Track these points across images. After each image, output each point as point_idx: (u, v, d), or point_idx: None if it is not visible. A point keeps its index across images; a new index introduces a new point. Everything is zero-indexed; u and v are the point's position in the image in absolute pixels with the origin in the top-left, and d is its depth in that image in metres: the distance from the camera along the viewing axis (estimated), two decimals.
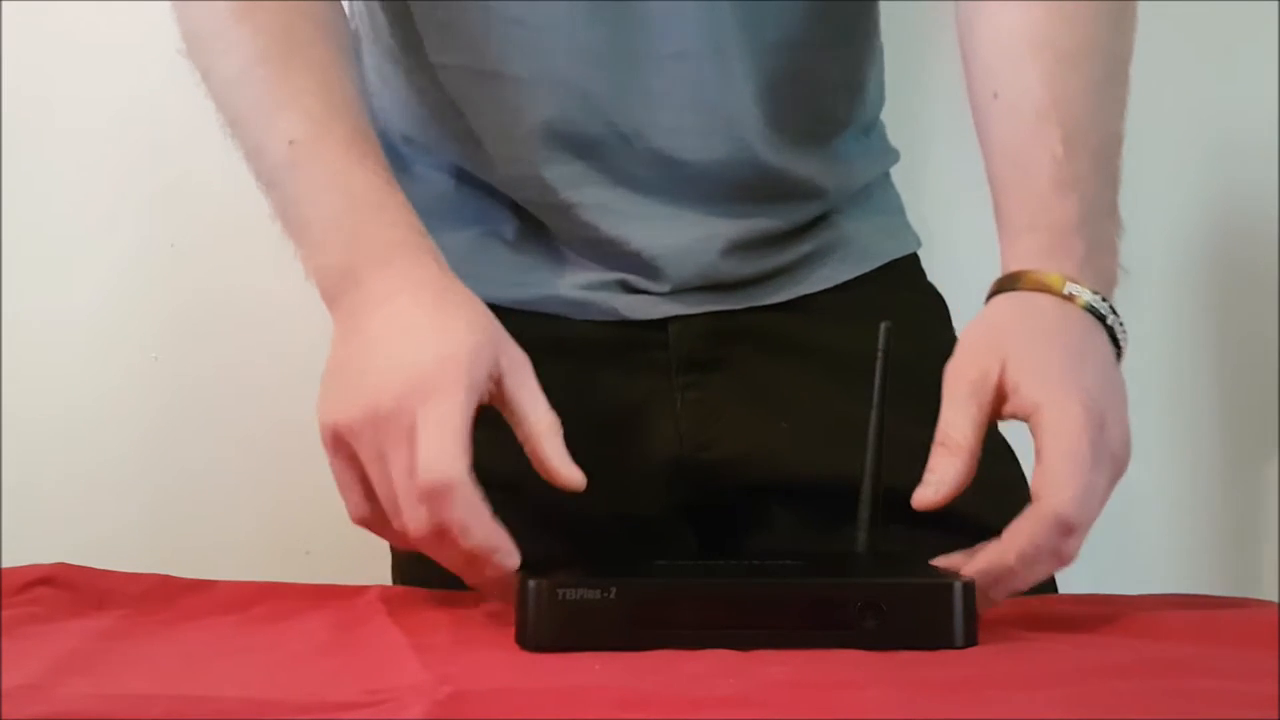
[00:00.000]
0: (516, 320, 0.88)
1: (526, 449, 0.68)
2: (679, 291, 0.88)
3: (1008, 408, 0.69)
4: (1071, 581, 0.88)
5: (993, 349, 0.70)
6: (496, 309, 0.89)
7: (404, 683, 0.53)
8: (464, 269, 0.90)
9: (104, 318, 1.24)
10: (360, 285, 0.71)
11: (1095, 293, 0.72)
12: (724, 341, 0.88)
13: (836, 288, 0.91)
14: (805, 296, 0.90)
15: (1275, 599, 0.76)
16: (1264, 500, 1.30)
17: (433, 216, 0.91)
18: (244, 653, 0.62)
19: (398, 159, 0.93)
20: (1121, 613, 0.69)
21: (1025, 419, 0.68)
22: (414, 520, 0.64)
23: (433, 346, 0.67)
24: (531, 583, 0.61)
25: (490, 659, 0.60)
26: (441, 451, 0.63)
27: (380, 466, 0.66)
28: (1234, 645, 0.61)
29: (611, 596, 0.60)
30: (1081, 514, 0.65)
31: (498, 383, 0.68)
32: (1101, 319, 0.72)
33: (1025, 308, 0.72)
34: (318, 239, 0.73)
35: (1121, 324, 0.72)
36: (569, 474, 0.68)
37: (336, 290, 0.72)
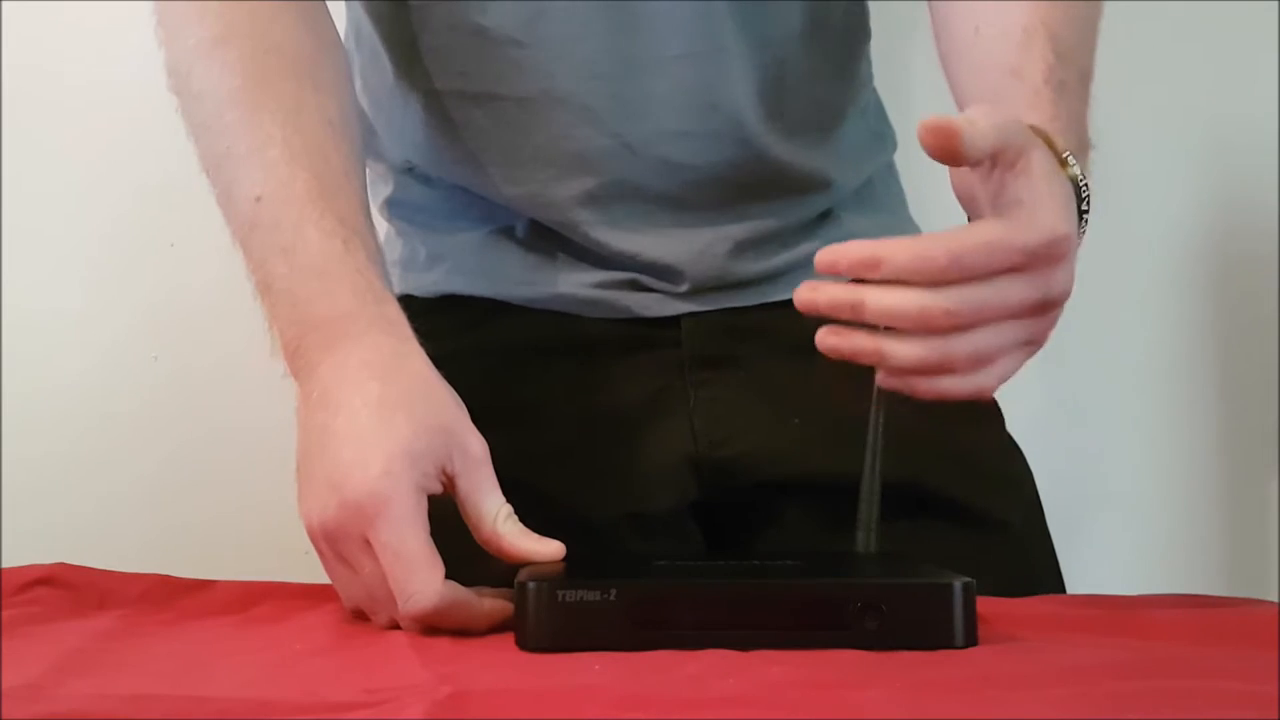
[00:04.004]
0: (528, 319, 0.89)
1: (490, 548, 0.67)
2: (691, 290, 0.88)
3: (994, 184, 0.64)
4: (1072, 581, 0.88)
5: (1023, 128, 0.65)
6: (508, 307, 0.89)
7: (404, 683, 0.53)
8: (475, 267, 0.90)
9: (103, 317, 1.24)
10: (312, 370, 0.69)
11: (1082, 173, 0.69)
12: (736, 339, 0.89)
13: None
14: None
15: (1275, 599, 0.76)
16: (1264, 501, 1.30)
17: (443, 216, 0.92)
18: (244, 653, 0.62)
19: (402, 169, 0.94)
20: (1121, 613, 0.69)
21: (999, 204, 0.64)
22: (409, 626, 0.65)
23: (373, 454, 0.64)
24: (531, 584, 0.60)
25: (490, 659, 0.59)
26: (410, 580, 0.63)
27: (348, 572, 0.66)
28: (1234, 645, 0.61)
29: (611, 598, 0.59)
30: (953, 270, 0.60)
31: (451, 479, 0.66)
32: (1080, 199, 0.69)
33: (1036, 140, 0.66)
34: (273, 308, 0.72)
35: (1087, 215, 0.69)
36: (545, 551, 0.66)
37: (293, 368, 0.71)
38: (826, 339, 0.64)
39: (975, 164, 0.63)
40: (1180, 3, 1.27)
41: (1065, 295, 0.65)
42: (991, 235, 0.62)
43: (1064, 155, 0.68)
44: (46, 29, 1.23)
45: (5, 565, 0.78)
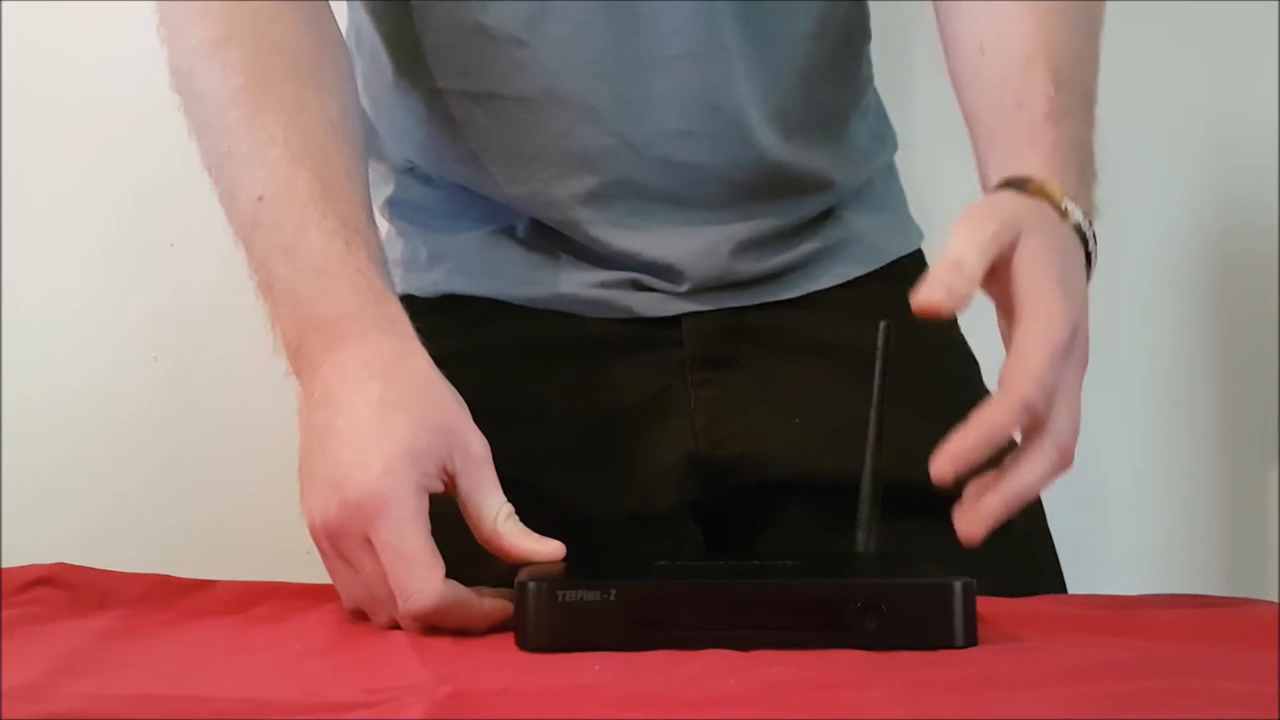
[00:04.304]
0: (529, 318, 0.89)
1: (490, 548, 0.67)
2: (693, 290, 0.88)
3: (999, 287, 0.70)
4: (1072, 581, 0.89)
5: (1012, 221, 0.69)
6: (509, 307, 0.90)
7: (404, 683, 0.53)
8: (476, 267, 0.91)
9: (103, 317, 1.24)
10: (314, 370, 0.69)
11: (1085, 214, 0.73)
12: (737, 338, 0.89)
13: (846, 285, 0.91)
14: (817, 293, 0.91)
15: (1275, 599, 0.76)
16: (1264, 501, 1.30)
17: (444, 216, 0.92)
18: (244, 653, 0.62)
19: (404, 169, 0.94)
20: (1121, 613, 0.69)
21: (1009, 305, 0.69)
22: (404, 623, 0.65)
23: (373, 453, 0.65)
24: (531, 584, 0.60)
25: (490, 659, 0.60)
26: (411, 579, 0.63)
27: (349, 571, 0.67)
28: (1234, 645, 0.61)
29: (611, 598, 0.59)
30: (1044, 400, 0.66)
31: (452, 478, 0.67)
32: (1084, 241, 0.73)
33: (1031, 205, 0.71)
34: (275, 308, 0.72)
35: (1096, 251, 0.74)
36: (545, 551, 0.66)
37: (295, 368, 0.71)
38: (979, 535, 0.67)
39: (974, 292, 0.67)
40: (1180, 3, 1.27)
41: (1088, 353, 0.70)
42: (1042, 349, 0.66)
43: (1062, 206, 0.72)
44: (46, 29, 1.23)
45: (5, 565, 0.78)
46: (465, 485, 0.67)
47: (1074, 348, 0.68)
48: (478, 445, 0.68)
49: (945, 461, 0.65)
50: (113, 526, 1.22)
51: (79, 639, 0.63)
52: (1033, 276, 0.68)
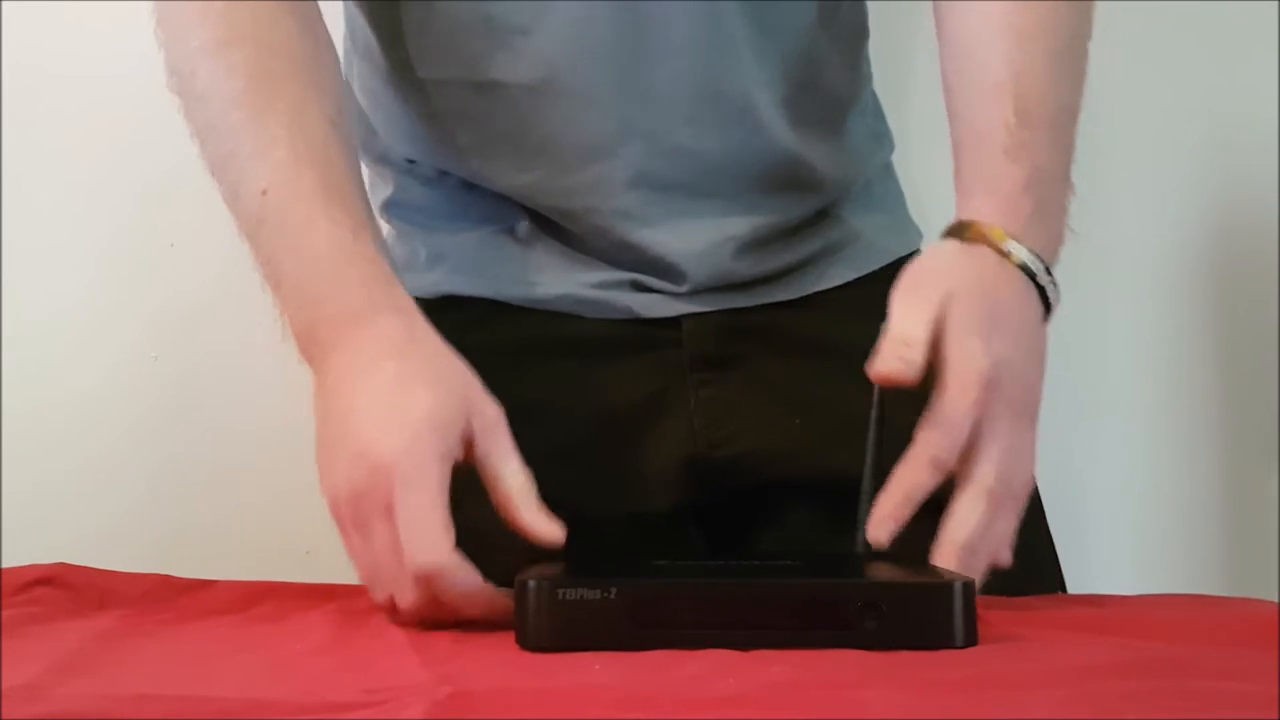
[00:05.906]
0: (528, 319, 0.89)
1: (501, 512, 0.68)
2: (693, 291, 0.88)
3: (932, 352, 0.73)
4: (1072, 581, 0.89)
5: (940, 285, 0.73)
6: (509, 307, 0.90)
7: (404, 683, 0.53)
8: (475, 267, 0.91)
9: (103, 317, 1.24)
10: (326, 356, 0.70)
11: (1033, 252, 0.75)
12: (738, 339, 0.89)
13: (846, 285, 0.91)
14: (817, 294, 0.91)
15: (1275, 599, 0.76)
16: (1264, 501, 1.30)
17: (443, 216, 0.92)
18: (244, 653, 0.62)
19: (403, 169, 0.94)
20: (1121, 613, 0.69)
21: (940, 365, 0.72)
22: (403, 597, 0.65)
23: (397, 424, 0.66)
24: (531, 583, 0.60)
25: (490, 659, 0.59)
26: (423, 537, 0.63)
27: (366, 540, 0.67)
28: (1234, 645, 0.61)
29: (611, 597, 0.59)
30: (952, 453, 0.70)
31: (470, 444, 0.67)
32: (1033, 277, 0.75)
33: (967, 256, 0.75)
34: (284, 299, 0.73)
35: (1054, 284, 0.76)
36: (546, 530, 0.67)
37: (308, 356, 0.72)
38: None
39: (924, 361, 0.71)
40: (1180, 3, 1.27)
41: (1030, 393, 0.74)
42: (950, 406, 0.70)
43: (1004, 248, 0.74)
44: (46, 29, 1.23)
45: (5, 565, 0.78)
46: (482, 447, 0.68)
47: (996, 397, 0.71)
48: (493, 410, 0.69)
49: (875, 527, 0.69)
50: (113, 526, 1.22)
51: (79, 639, 0.63)
52: (950, 340, 0.71)
